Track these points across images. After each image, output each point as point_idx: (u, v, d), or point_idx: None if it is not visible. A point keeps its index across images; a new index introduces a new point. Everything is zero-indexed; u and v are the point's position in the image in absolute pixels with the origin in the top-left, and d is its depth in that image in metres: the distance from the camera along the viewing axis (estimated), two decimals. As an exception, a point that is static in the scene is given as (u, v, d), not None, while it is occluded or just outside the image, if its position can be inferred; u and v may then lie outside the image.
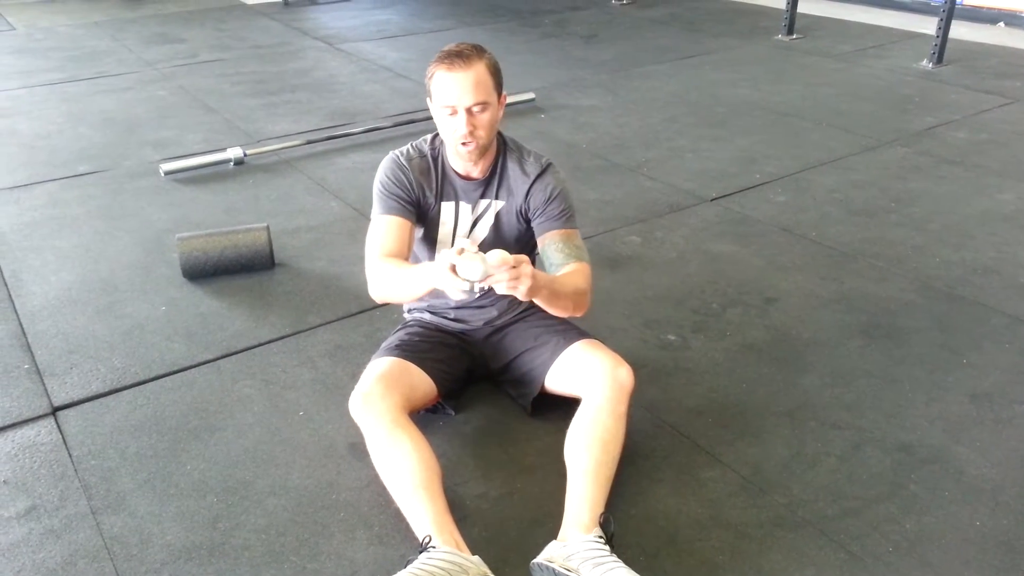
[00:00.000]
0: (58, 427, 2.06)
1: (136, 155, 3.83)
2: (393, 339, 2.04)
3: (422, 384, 1.93)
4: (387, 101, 4.61)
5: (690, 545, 1.70)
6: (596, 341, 1.99)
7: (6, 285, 2.72)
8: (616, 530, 1.66)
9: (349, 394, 1.86)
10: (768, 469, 1.91)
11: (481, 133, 1.82)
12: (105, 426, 2.06)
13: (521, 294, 1.64)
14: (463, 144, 1.82)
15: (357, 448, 1.91)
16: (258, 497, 1.83)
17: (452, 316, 2.09)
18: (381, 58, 5.52)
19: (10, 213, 3.24)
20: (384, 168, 1.95)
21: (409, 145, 1.99)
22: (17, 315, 2.55)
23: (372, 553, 1.68)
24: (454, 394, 2.08)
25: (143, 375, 2.26)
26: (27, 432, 2.05)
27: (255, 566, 1.66)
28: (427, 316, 2.11)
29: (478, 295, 2.06)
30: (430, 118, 1.90)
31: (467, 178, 1.95)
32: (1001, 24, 6.20)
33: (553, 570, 1.54)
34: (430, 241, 2.01)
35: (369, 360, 1.99)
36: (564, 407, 1.93)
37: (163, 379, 2.24)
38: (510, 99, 4.29)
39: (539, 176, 1.94)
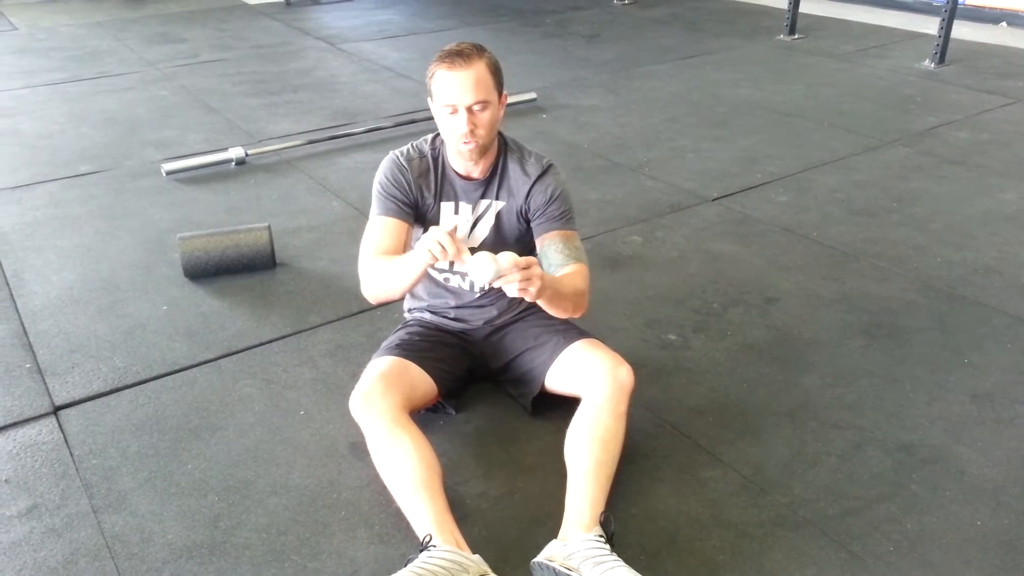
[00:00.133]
0: (59, 426, 2.07)
1: (138, 155, 3.83)
2: (393, 338, 2.04)
3: (422, 383, 1.93)
4: (388, 101, 4.61)
5: (691, 544, 1.70)
6: (596, 340, 1.99)
7: (8, 284, 2.72)
8: (616, 529, 1.66)
9: (350, 393, 1.86)
10: (769, 469, 1.91)
11: (482, 132, 1.82)
12: (106, 425, 2.07)
13: (531, 295, 1.65)
14: (464, 143, 1.83)
15: (358, 447, 1.92)
16: (259, 496, 1.84)
17: (452, 316, 2.09)
18: (382, 58, 5.53)
19: (12, 213, 3.24)
20: (383, 168, 1.95)
21: (410, 145, 1.99)
22: (19, 314, 2.55)
23: (373, 552, 1.68)
24: (454, 393, 2.08)
25: (144, 374, 2.26)
26: (28, 431, 2.05)
27: (256, 565, 1.66)
28: (427, 316, 2.12)
29: (477, 295, 2.06)
30: (431, 118, 1.90)
31: (467, 178, 1.95)
32: (1003, 24, 6.19)
33: (553, 569, 1.54)
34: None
35: (370, 359, 1.99)
36: (564, 406, 1.93)
37: (164, 378, 2.25)
38: (512, 99, 4.31)
39: (540, 177, 1.94)
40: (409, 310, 2.18)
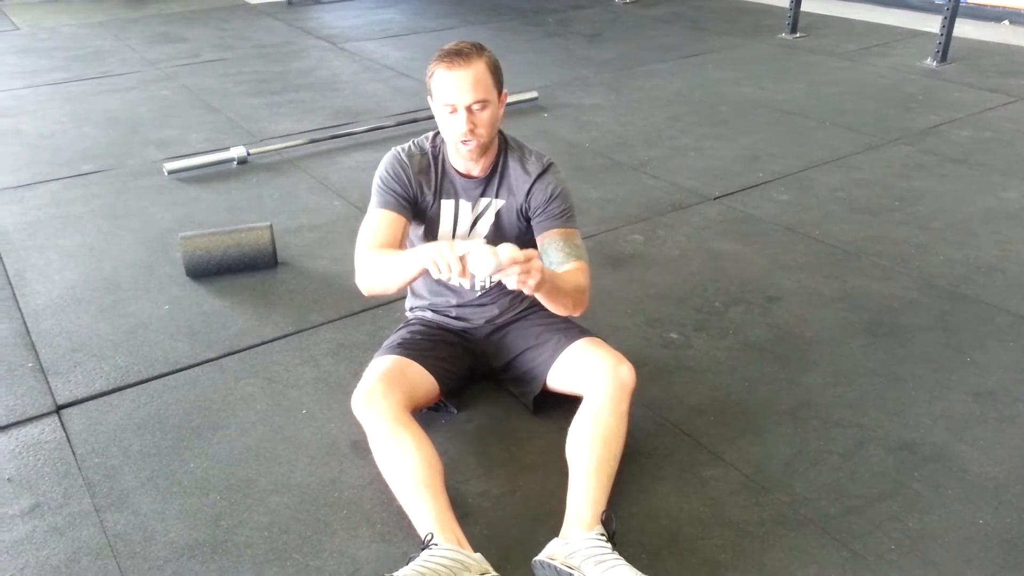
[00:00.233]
0: (62, 425, 2.07)
1: (139, 154, 3.84)
2: (395, 337, 2.05)
3: (424, 382, 1.93)
4: (390, 100, 4.61)
5: (692, 543, 1.70)
6: (598, 339, 1.99)
7: (10, 284, 2.72)
8: (618, 528, 1.66)
9: (351, 392, 1.86)
10: (770, 467, 1.91)
11: (481, 131, 1.82)
12: (108, 424, 2.07)
13: (531, 288, 1.65)
14: (463, 142, 1.83)
15: (359, 446, 1.92)
16: (261, 495, 1.84)
17: (454, 314, 2.09)
18: (384, 57, 5.53)
19: (14, 212, 3.25)
20: (384, 163, 1.96)
21: (411, 141, 1.99)
22: (21, 314, 2.56)
23: (374, 550, 1.69)
24: (456, 392, 2.08)
25: (146, 373, 2.26)
26: (31, 430, 2.06)
27: (258, 564, 1.66)
28: (429, 315, 2.12)
29: (479, 294, 2.06)
30: (433, 117, 1.90)
31: (468, 176, 1.96)
32: (1006, 22, 6.18)
33: (555, 568, 1.54)
34: (431, 239, 2.01)
35: (371, 358, 1.99)
36: (566, 405, 1.93)
37: (166, 377, 2.25)
38: (513, 98, 4.31)
39: (540, 175, 1.94)
40: (411, 309, 2.19)
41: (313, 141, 3.93)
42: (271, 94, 4.73)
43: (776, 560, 1.66)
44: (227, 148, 3.73)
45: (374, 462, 1.78)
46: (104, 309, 2.58)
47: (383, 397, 1.79)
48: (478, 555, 1.57)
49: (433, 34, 6.17)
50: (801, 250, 2.93)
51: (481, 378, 2.14)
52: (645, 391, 2.09)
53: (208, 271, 2.73)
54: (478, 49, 1.80)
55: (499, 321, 2.09)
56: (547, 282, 1.71)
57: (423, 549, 1.57)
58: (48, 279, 2.75)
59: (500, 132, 1.96)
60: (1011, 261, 2.83)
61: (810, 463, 1.92)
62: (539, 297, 1.76)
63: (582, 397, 1.87)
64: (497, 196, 1.96)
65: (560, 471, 1.78)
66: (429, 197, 1.96)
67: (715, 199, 3.34)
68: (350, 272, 1.91)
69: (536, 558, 1.59)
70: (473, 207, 1.97)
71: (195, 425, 2.06)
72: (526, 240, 1.99)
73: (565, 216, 1.93)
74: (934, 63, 5.12)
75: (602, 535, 1.59)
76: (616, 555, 1.55)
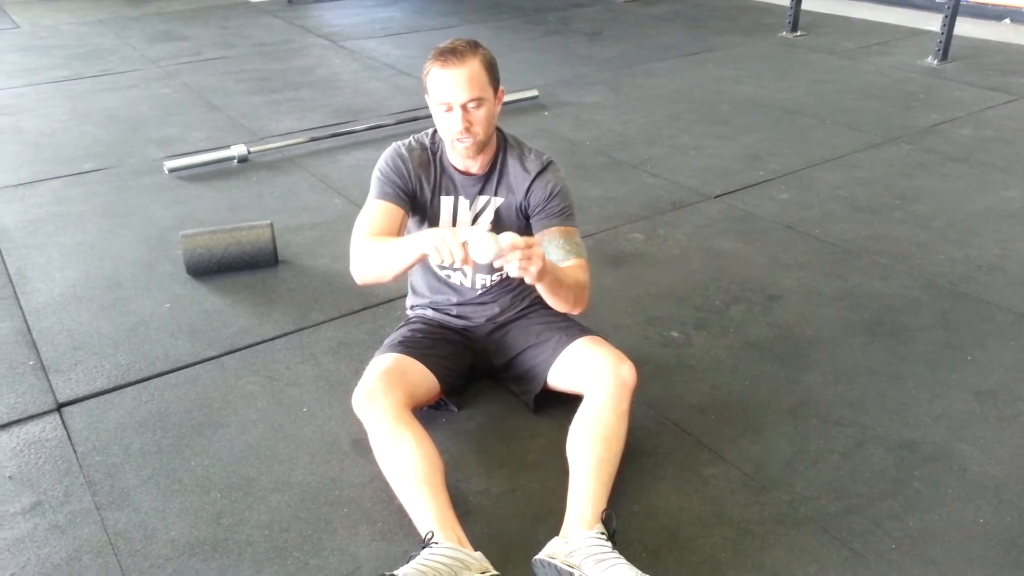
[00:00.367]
0: (63, 423, 2.07)
1: (140, 152, 3.84)
2: (396, 336, 2.05)
3: (425, 381, 1.93)
4: (390, 98, 4.61)
5: (692, 542, 1.70)
6: (598, 338, 1.99)
7: (11, 282, 2.73)
8: (618, 527, 1.66)
9: (352, 390, 1.86)
10: (770, 466, 1.91)
11: (477, 129, 1.82)
12: (109, 422, 2.07)
13: (532, 276, 1.64)
14: (459, 140, 1.83)
15: (360, 444, 1.92)
16: (261, 493, 1.84)
17: (455, 313, 2.10)
18: (384, 55, 5.52)
19: (15, 210, 3.25)
20: (385, 156, 1.96)
21: (412, 137, 2.00)
22: (22, 312, 2.56)
23: (375, 549, 1.69)
24: (457, 391, 2.08)
25: (147, 372, 2.27)
26: (32, 428, 2.06)
27: (258, 562, 1.66)
28: (430, 313, 2.12)
29: (479, 292, 2.06)
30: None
31: (466, 174, 1.96)
32: (1007, 21, 6.17)
33: (555, 566, 1.54)
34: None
35: (372, 356, 1.99)
36: (567, 404, 1.93)
37: (167, 375, 2.25)
38: (514, 96, 4.31)
39: (540, 173, 1.94)
40: (411, 307, 2.19)
41: (314, 139, 3.93)
42: (272, 92, 4.73)
43: (776, 559, 1.66)
44: (228, 146, 3.73)
45: (375, 460, 1.78)
46: (105, 307, 2.58)
47: (384, 395, 1.80)
48: (478, 553, 1.58)
49: (434, 32, 6.17)
50: (802, 249, 2.93)
51: (482, 376, 2.14)
52: (646, 390, 2.09)
53: (209, 269, 2.73)
54: (473, 47, 1.80)
55: (500, 319, 2.09)
56: (549, 273, 1.71)
57: (423, 547, 1.57)
58: (49, 277, 2.76)
59: (499, 130, 1.96)
60: (1012, 260, 2.83)
61: (810, 462, 1.92)
62: (541, 289, 1.76)
63: (583, 396, 1.87)
64: (496, 194, 1.96)
65: (560, 470, 1.78)
66: (428, 192, 1.96)
67: (716, 197, 3.34)
68: (350, 270, 1.91)
69: (536, 557, 1.59)
70: (472, 204, 1.97)
71: (196, 423, 2.06)
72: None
73: (564, 214, 1.93)
74: (935, 61, 5.11)
75: (602, 534, 1.59)
76: (616, 554, 1.55)
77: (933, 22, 5.55)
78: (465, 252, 1.60)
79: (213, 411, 2.11)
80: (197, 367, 2.29)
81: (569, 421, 1.83)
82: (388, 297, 2.58)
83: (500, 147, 1.97)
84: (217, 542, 1.71)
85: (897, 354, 2.33)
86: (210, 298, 2.63)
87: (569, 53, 5.58)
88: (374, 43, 5.86)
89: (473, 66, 1.77)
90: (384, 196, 1.91)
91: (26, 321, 2.51)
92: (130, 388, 2.20)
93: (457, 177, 1.96)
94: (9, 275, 2.77)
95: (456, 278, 2.06)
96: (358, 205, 1.94)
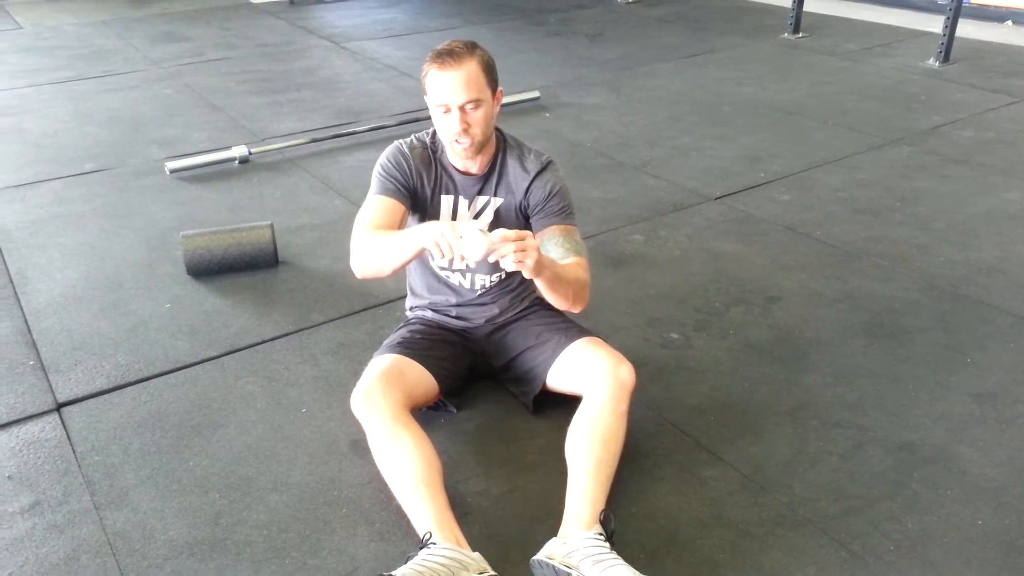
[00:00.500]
0: (62, 423, 2.08)
1: (142, 153, 3.84)
2: (395, 336, 2.05)
3: (424, 381, 1.93)
4: (392, 100, 4.61)
5: (691, 543, 1.70)
6: (598, 339, 1.99)
7: (12, 282, 2.73)
8: (616, 528, 1.66)
9: (351, 391, 1.86)
10: (769, 468, 1.91)
11: (476, 130, 1.82)
12: (109, 422, 2.07)
13: (528, 267, 1.64)
14: (457, 141, 1.83)
15: (359, 445, 1.92)
16: (260, 493, 1.84)
17: (454, 314, 2.10)
18: (386, 57, 5.53)
19: (16, 211, 3.26)
20: (386, 153, 1.96)
21: (413, 135, 2.00)
22: (23, 312, 2.56)
23: (373, 549, 1.69)
24: (456, 392, 2.08)
25: (147, 372, 2.27)
26: (32, 428, 2.06)
27: (256, 562, 1.66)
28: (429, 314, 2.12)
29: (479, 292, 2.07)
30: (433, 116, 1.91)
31: (466, 174, 1.96)
32: (1008, 23, 6.17)
33: (553, 567, 1.54)
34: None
35: (371, 357, 1.99)
36: (566, 405, 1.93)
37: (167, 376, 2.25)
38: (515, 97, 4.32)
39: (539, 173, 1.94)
40: (411, 308, 2.19)
41: (315, 140, 3.93)
42: (273, 93, 4.74)
43: (775, 560, 1.66)
44: (229, 147, 3.73)
45: (373, 461, 1.78)
46: (105, 307, 2.58)
47: (382, 396, 1.80)
48: (476, 554, 1.58)
49: (435, 34, 6.17)
50: (802, 250, 2.93)
51: (481, 377, 2.14)
52: (645, 391, 2.09)
53: (209, 270, 2.74)
54: (470, 48, 1.80)
55: (499, 320, 2.09)
56: (548, 267, 1.71)
57: (421, 548, 1.57)
58: (49, 277, 2.76)
59: (499, 131, 1.97)
60: (1012, 262, 2.83)
61: (809, 463, 1.92)
62: (541, 285, 1.76)
63: (582, 397, 1.87)
64: (496, 194, 1.97)
65: (559, 471, 1.78)
66: (428, 190, 1.96)
67: (716, 199, 3.34)
68: (351, 271, 1.91)
69: (534, 557, 1.59)
70: (471, 204, 1.97)
71: (195, 423, 2.07)
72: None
73: (564, 213, 1.93)
74: (936, 63, 5.11)
75: (600, 535, 1.59)
76: (614, 555, 1.55)
77: (935, 24, 5.55)
78: (463, 254, 1.61)
79: (212, 411, 2.11)
80: (197, 367, 2.29)
81: (568, 422, 1.83)
82: (388, 298, 2.59)
83: (500, 147, 1.97)
84: (215, 542, 1.71)
85: (897, 356, 2.32)
86: (210, 299, 2.63)
87: (570, 54, 5.58)
88: (376, 44, 5.87)
89: (471, 68, 1.77)
90: (385, 192, 1.91)
91: (26, 321, 2.51)
92: (130, 388, 2.21)
93: (457, 177, 1.96)
94: (10, 275, 2.77)
95: (455, 279, 2.06)
96: (359, 206, 1.94)
